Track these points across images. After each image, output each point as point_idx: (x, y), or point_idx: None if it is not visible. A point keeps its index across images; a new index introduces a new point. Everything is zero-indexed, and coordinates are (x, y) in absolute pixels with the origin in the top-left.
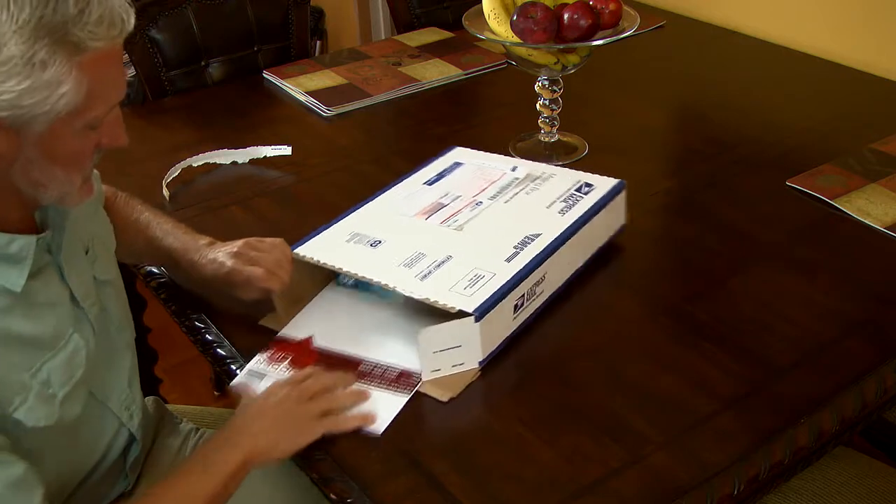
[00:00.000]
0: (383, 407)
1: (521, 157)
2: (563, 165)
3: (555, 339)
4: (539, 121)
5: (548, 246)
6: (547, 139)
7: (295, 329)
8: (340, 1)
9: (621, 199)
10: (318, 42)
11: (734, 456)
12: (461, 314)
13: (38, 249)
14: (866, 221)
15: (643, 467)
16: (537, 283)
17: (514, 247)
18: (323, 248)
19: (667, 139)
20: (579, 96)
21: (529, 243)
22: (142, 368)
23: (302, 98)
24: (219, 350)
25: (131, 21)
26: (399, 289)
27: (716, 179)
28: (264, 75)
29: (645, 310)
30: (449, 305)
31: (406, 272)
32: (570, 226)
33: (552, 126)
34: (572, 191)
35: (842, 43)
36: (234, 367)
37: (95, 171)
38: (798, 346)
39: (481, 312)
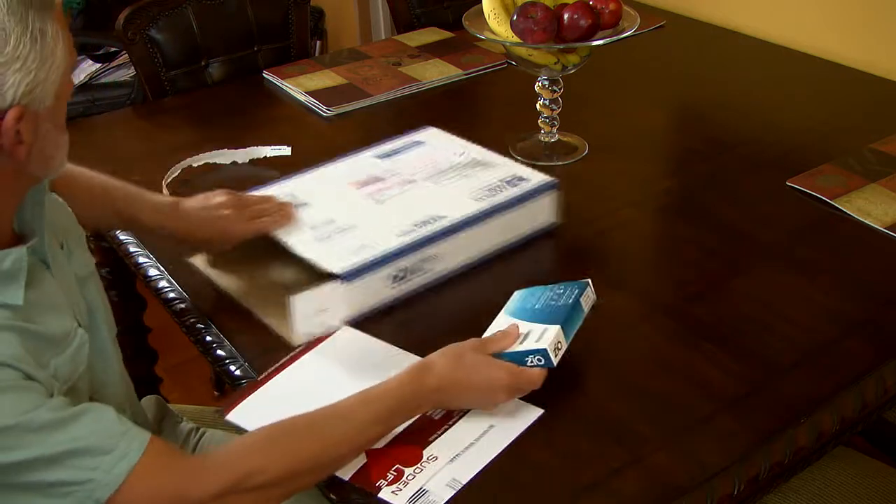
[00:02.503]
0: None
1: (521, 157)
2: (563, 165)
3: None
4: (539, 121)
5: (445, 228)
6: (547, 139)
7: None
8: (340, 1)
9: (549, 197)
10: (318, 42)
11: (734, 456)
12: (332, 276)
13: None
14: (866, 221)
15: (643, 467)
16: (425, 260)
17: (415, 224)
18: None
19: (667, 139)
20: (579, 96)
21: (430, 223)
22: (142, 368)
23: (302, 98)
24: (219, 350)
25: None
26: (290, 245)
27: (716, 179)
28: (264, 75)
29: (645, 310)
30: (322, 265)
31: (309, 234)
32: (477, 213)
33: (552, 126)
34: (502, 182)
35: (842, 43)
36: (233, 367)
37: None
38: (798, 346)
39: (349, 276)
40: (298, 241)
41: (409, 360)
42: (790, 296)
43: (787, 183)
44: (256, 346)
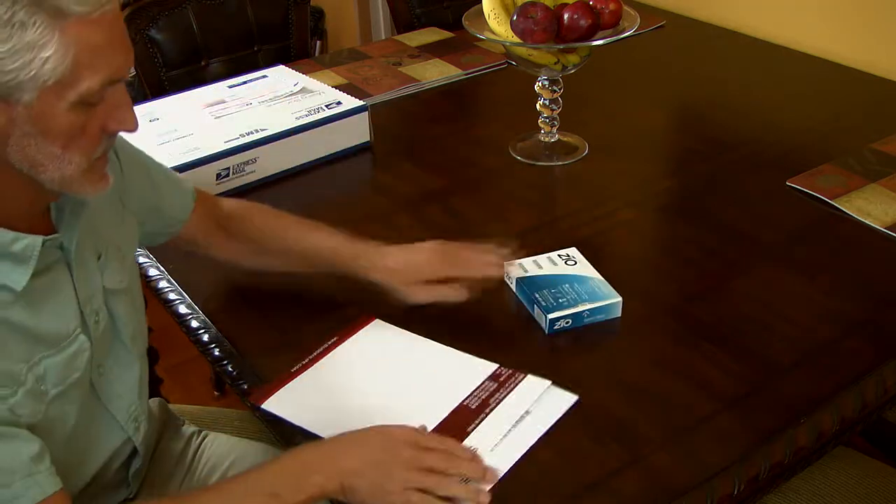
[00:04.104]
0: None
1: (521, 157)
2: (563, 165)
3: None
4: (539, 121)
5: (264, 138)
6: (547, 139)
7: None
8: (340, 1)
9: (362, 118)
10: (318, 42)
11: (734, 456)
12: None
13: (46, 249)
14: (866, 221)
15: (643, 467)
16: (247, 163)
17: (241, 134)
18: None
19: (667, 139)
20: (579, 96)
21: (253, 134)
22: None
23: None
24: (219, 350)
25: None
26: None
27: (716, 179)
28: None
29: (645, 310)
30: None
31: (155, 139)
32: (293, 128)
33: (552, 126)
34: (322, 105)
35: (842, 43)
36: (233, 367)
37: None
38: (798, 346)
39: (179, 170)
40: (141, 144)
41: (438, 350)
42: (790, 296)
43: (787, 183)
44: (257, 347)
